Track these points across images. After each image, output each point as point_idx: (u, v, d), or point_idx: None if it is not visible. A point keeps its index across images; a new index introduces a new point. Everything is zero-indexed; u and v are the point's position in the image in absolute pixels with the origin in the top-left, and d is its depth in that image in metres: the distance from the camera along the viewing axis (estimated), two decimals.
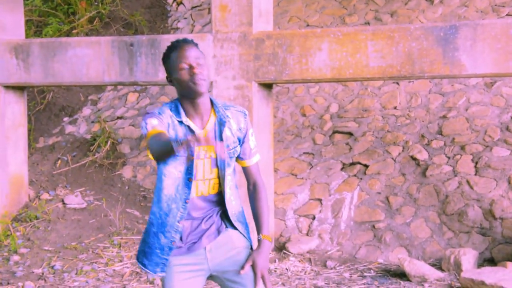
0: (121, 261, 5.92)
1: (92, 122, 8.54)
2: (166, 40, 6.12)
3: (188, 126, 2.73)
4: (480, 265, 5.49)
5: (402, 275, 5.39)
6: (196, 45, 2.76)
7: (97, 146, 7.96)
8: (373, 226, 6.13)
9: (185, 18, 9.77)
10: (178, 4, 10.11)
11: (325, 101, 7.73)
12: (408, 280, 5.29)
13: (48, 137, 8.46)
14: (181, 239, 2.79)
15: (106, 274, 5.68)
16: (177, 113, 2.74)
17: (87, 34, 9.48)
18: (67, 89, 9.13)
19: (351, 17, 8.56)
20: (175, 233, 2.77)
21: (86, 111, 8.86)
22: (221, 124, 2.77)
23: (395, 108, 7.30)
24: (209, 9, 9.53)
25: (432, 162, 6.43)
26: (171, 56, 2.74)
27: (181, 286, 2.80)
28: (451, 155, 6.44)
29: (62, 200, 6.89)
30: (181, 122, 2.72)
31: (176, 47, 2.73)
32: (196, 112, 2.75)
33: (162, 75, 6.10)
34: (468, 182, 6.11)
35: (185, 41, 2.74)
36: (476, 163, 6.25)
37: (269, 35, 5.75)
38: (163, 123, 2.70)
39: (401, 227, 6.04)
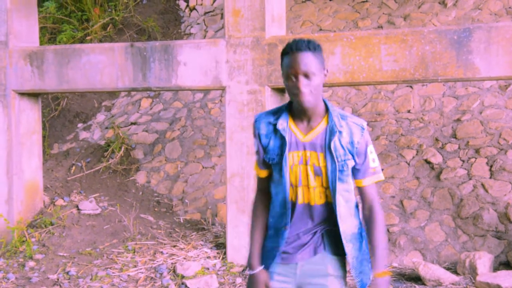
0: (135, 266, 5.93)
1: (106, 128, 8.58)
2: (179, 46, 6.14)
3: (283, 130, 2.66)
4: (495, 268, 5.44)
5: (417, 279, 5.36)
6: (312, 49, 2.58)
7: (111, 152, 8.00)
8: (388, 230, 6.10)
9: (198, 24, 9.80)
10: (191, 10, 10.15)
11: (338, 105, 7.72)
12: (423, 284, 5.26)
13: (62, 144, 8.51)
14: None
15: (121, 280, 5.69)
16: (281, 116, 2.68)
17: (100, 41, 9.54)
18: (81, 95, 9.19)
19: (364, 21, 8.55)
20: (281, 239, 2.73)
21: (100, 117, 8.91)
22: (331, 133, 2.64)
23: (408, 111, 7.27)
24: (222, 14, 9.56)
25: (447, 166, 6.40)
26: (283, 60, 2.62)
27: None
28: (466, 158, 6.41)
29: (77, 206, 6.93)
30: (276, 129, 2.68)
31: (288, 52, 2.59)
32: (305, 116, 2.66)
33: (175, 80, 6.12)
34: (483, 185, 6.08)
35: (299, 47, 2.57)
36: (491, 166, 6.21)
37: (282, 40, 5.75)
38: (257, 141, 2.73)
39: (415, 230, 6.01)
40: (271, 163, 2.72)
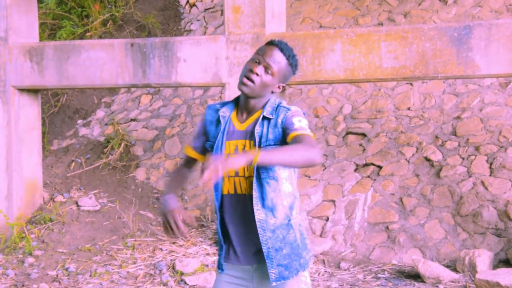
0: (134, 263, 5.93)
1: (106, 124, 8.58)
2: (179, 42, 6.13)
3: (223, 119, 2.69)
4: (495, 266, 5.44)
5: (416, 276, 5.36)
6: (290, 61, 2.65)
7: (111, 148, 7.99)
8: (387, 227, 6.10)
9: (198, 20, 9.79)
10: (191, 7, 10.13)
11: (338, 102, 7.71)
12: (423, 281, 5.26)
13: (62, 140, 8.51)
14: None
15: (120, 276, 5.69)
16: (225, 106, 2.73)
17: (100, 37, 9.52)
18: (81, 91, 9.18)
19: (364, 18, 8.54)
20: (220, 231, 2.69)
21: (100, 113, 8.90)
22: (257, 120, 2.64)
23: (408, 109, 7.26)
24: (222, 11, 9.55)
25: (446, 163, 6.39)
26: (263, 46, 2.69)
27: None
28: (466, 156, 6.40)
29: (76, 202, 6.92)
30: (222, 117, 2.70)
31: (270, 42, 2.66)
32: (245, 109, 2.70)
33: (174, 77, 6.12)
34: (482, 183, 6.07)
35: (281, 46, 2.64)
36: (491, 163, 6.21)
37: (282, 37, 5.74)
38: (201, 126, 2.77)
39: (415, 228, 6.01)
40: (210, 150, 2.73)
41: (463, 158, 6.39)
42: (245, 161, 2.31)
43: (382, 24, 8.34)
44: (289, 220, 2.64)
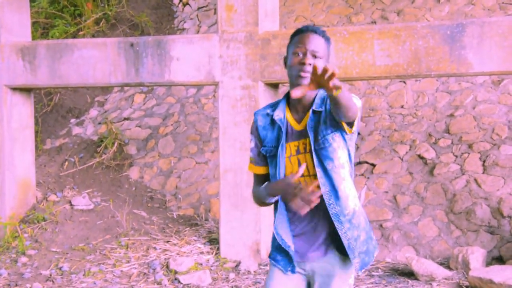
0: (128, 262, 5.92)
1: (99, 123, 8.56)
2: (172, 41, 6.12)
3: (279, 121, 2.63)
4: (488, 263, 5.46)
5: (410, 274, 5.37)
6: (325, 37, 2.58)
7: (104, 147, 7.97)
8: (381, 225, 6.11)
9: (191, 19, 9.77)
10: (184, 5, 10.11)
11: None
12: (416, 279, 5.27)
13: (55, 139, 8.48)
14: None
15: (114, 275, 5.68)
16: (278, 108, 2.65)
17: (93, 36, 9.50)
18: (74, 90, 9.15)
19: (358, 16, 8.54)
20: (287, 234, 2.68)
21: (93, 112, 8.88)
22: (312, 114, 2.58)
23: (402, 107, 7.28)
24: (215, 9, 9.53)
25: (440, 161, 6.40)
26: (293, 39, 2.60)
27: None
28: (459, 153, 6.42)
29: (70, 202, 6.90)
30: (274, 120, 2.63)
31: (300, 31, 2.59)
32: (299, 105, 2.63)
33: (168, 76, 6.10)
34: (476, 180, 6.09)
35: (313, 29, 2.57)
36: (484, 161, 6.22)
37: (275, 35, 5.74)
38: (255, 134, 2.69)
39: (408, 226, 6.02)
40: (268, 155, 2.68)
41: (456, 156, 6.40)
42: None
43: (375, 22, 8.34)
44: (358, 206, 2.65)
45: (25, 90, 6.83)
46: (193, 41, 6.06)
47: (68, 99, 9.07)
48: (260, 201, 2.74)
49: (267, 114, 2.68)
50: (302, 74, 2.52)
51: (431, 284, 5.15)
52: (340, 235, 2.59)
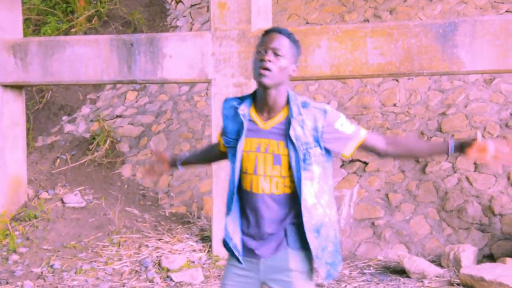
0: (120, 259, 5.91)
1: (91, 121, 8.53)
2: (165, 38, 6.11)
3: (250, 118, 2.68)
4: (479, 261, 5.48)
5: (401, 271, 5.39)
6: (291, 39, 2.62)
7: (96, 145, 7.95)
8: (373, 223, 6.13)
9: (184, 16, 9.76)
10: (177, 3, 10.10)
11: (325, 98, 7.72)
12: (408, 276, 5.28)
13: (47, 136, 8.45)
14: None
15: (106, 273, 5.67)
16: (244, 102, 2.70)
17: (85, 33, 9.47)
18: (66, 88, 9.12)
19: (350, 15, 8.55)
20: (236, 232, 2.74)
21: (85, 110, 8.85)
22: (290, 122, 2.61)
23: (394, 105, 7.29)
24: (208, 7, 9.52)
25: (431, 159, 6.42)
26: (261, 36, 2.66)
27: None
28: None
29: (61, 199, 6.88)
30: (242, 115, 2.68)
31: (266, 32, 2.65)
32: (266, 105, 2.66)
33: (160, 73, 6.09)
34: (467, 178, 6.11)
35: (278, 30, 2.63)
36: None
37: None
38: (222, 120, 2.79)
39: (400, 224, 6.03)
40: (227, 145, 2.74)
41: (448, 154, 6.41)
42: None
43: (368, 21, 8.35)
44: (329, 219, 2.68)
45: (17, 87, 6.80)
46: (185, 38, 6.05)
47: (60, 97, 9.03)
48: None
49: (234, 107, 2.72)
50: (261, 71, 2.57)
51: (422, 281, 5.17)
52: (309, 241, 2.64)
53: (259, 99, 2.67)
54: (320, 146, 2.63)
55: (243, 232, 2.73)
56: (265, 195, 2.65)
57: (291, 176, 2.63)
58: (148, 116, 8.32)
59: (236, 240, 2.73)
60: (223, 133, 2.77)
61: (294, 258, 2.67)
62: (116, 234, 6.40)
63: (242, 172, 2.68)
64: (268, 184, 2.64)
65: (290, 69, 2.63)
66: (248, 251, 2.72)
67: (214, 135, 5.90)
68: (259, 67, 2.57)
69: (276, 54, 2.58)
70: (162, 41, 6.09)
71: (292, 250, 2.67)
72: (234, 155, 2.69)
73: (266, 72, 2.56)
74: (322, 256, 2.66)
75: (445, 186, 6.13)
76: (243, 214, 2.73)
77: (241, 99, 2.74)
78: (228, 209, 2.74)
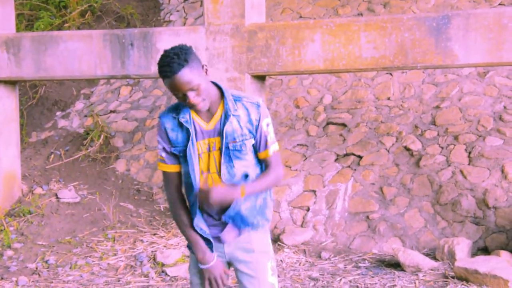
0: (115, 254, 5.91)
1: (85, 116, 8.51)
2: (158, 33, 6.09)
3: (186, 122, 2.77)
4: (473, 254, 5.50)
5: (396, 265, 5.40)
6: (185, 62, 2.64)
7: (90, 140, 7.94)
8: (367, 217, 6.14)
9: (178, 11, 9.73)
10: None
11: (319, 92, 7.73)
12: (402, 270, 5.30)
13: (40, 132, 8.43)
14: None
15: (101, 268, 5.67)
16: (183, 111, 2.78)
17: (79, 28, 9.43)
18: (60, 83, 9.09)
19: (344, 8, 8.55)
20: (203, 224, 2.87)
21: (79, 105, 8.83)
22: (226, 117, 2.77)
23: (388, 99, 7.30)
24: (202, 1, 9.50)
25: (426, 153, 6.44)
26: (164, 81, 2.68)
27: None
28: (445, 145, 6.45)
29: (56, 195, 6.87)
30: (181, 122, 2.78)
31: (163, 76, 2.66)
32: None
33: (154, 68, 6.07)
34: (461, 171, 6.12)
35: (174, 70, 2.62)
36: (470, 152, 6.26)
37: (261, 27, 5.73)
38: (164, 137, 2.80)
39: (395, 217, 6.05)
40: (180, 154, 2.82)
41: (442, 148, 6.44)
42: (233, 198, 2.70)
43: (361, 15, 8.35)
44: (264, 201, 2.97)
45: (10, 83, 6.78)
46: (179, 33, 6.03)
47: (54, 92, 9.01)
48: (175, 218, 2.95)
49: (173, 118, 2.80)
50: (197, 110, 2.71)
51: (417, 274, 5.18)
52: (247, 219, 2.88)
53: None
54: (254, 137, 2.81)
55: (208, 226, 2.89)
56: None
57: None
58: (142, 111, 8.31)
59: (207, 232, 2.90)
60: (172, 145, 2.82)
61: (256, 239, 2.91)
62: (111, 229, 6.39)
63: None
64: (221, 178, 2.81)
65: (204, 78, 2.72)
66: (214, 240, 2.90)
67: None
68: (192, 107, 2.70)
69: (192, 90, 2.66)
70: (156, 35, 6.07)
71: (253, 230, 2.90)
72: (188, 160, 2.79)
73: (199, 107, 2.70)
74: (258, 222, 2.92)
75: (439, 180, 6.15)
76: (202, 210, 2.88)
77: (176, 108, 2.81)
78: (194, 212, 2.87)
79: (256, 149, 2.85)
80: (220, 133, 2.77)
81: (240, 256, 2.92)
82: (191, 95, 2.66)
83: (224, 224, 2.87)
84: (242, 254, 2.91)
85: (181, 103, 2.78)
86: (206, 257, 2.87)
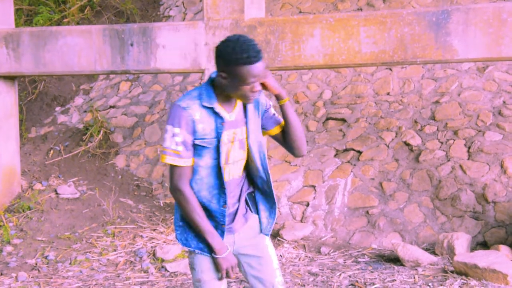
0: (115, 250, 5.91)
1: (85, 111, 8.51)
2: (158, 28, 6.08)
3: (218, 113, 2.81)
4: (473, 249, 5.51)
5: (395, 260, 5.41)
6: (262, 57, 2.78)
7: (90, 135, 7.93)
8: (367, 212, 6.14)
9: (177, 6, 9.72)
10: None
11: (318, 87, 7.72)
12: (402, 265, 5.30)
13: (40, 127, 8.42)
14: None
15: (100, 264, 5.67)
16: (209, 99, 2.79)
17: (78, 23, 9.42)
18: (59, 78, 9.08)
19: (344, 3, 8.53)
20: (222, 217, 2.89)
21: (78, 100, 8.82)
22: (244, 108, 2.89)
23: (388, 94, 7.29)
24: None
25: (425, 148, 6.44)
26: (242, 68, 2.66)
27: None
28: (444, 140, 6.45)
29: (55, 190, 6.87)
30: (211, 109, 2.79)
31: (250, 62, 2.66)
32: (229, 98, 2.83)
33: (154, 63, 6.07)
34: (461, 166, 6.13)
35: (260, 56, 2.69)
36: (469, 147, 6.26)
37: (261, 22, 5.72)
38: (189, 129, 2.76)
39: (394, 212, 6.05)
40: (207, 146, 2.80)
41: (441, 143, 6.44)
42: (280, 94, 2.89)
43: (361, 9, 8.34)
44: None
45: (9, 78, 6.77)
46: (178, 28, 6.03)
47: (53, 87, 9.00)
48: (192, 213, 2.84)
49: (203, 106, 2.78)
50: (253, 98, 2.80)
51: (416, 269, 5.19)
52: (275, 207, 3.03)
53: (222, 95, 2.81)
54: (263, 120, 2.97)
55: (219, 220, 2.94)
56: (235, 179, 2.91)
57: (248, 155, 2.93)
58: (142, 107, 8.30)
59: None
60: (198, 136, 2.79)
61: (260, 222, 3.02)
62: (111, 224, 6.40)
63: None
64: (237, 169, 2.91)
65: None
66: (227, 229, 2.94)
67: None
68: (252, 96, 2.76)
69: (259, 80, 2.80)
70: (155, 31, 6.06)
71: (256, 215, 3.02)
72: (215, 151, 2.82)
73: (257, 96, 2.84)
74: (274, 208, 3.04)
75: (438, 175, 6.15)
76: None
77: (200, 96, 2.80)
78: (224, 202, 2.87)
79: (265, 128, 3.00)
80: (246, 123, 2.88)
81: (247, 242, 2.99)
82: (258, 86, 2.75)
83: (232, 214, 2.93)
84: (249, 239, 2.99)
85: (204, 93, 2.78)
86: (224, 247, 2.87)
